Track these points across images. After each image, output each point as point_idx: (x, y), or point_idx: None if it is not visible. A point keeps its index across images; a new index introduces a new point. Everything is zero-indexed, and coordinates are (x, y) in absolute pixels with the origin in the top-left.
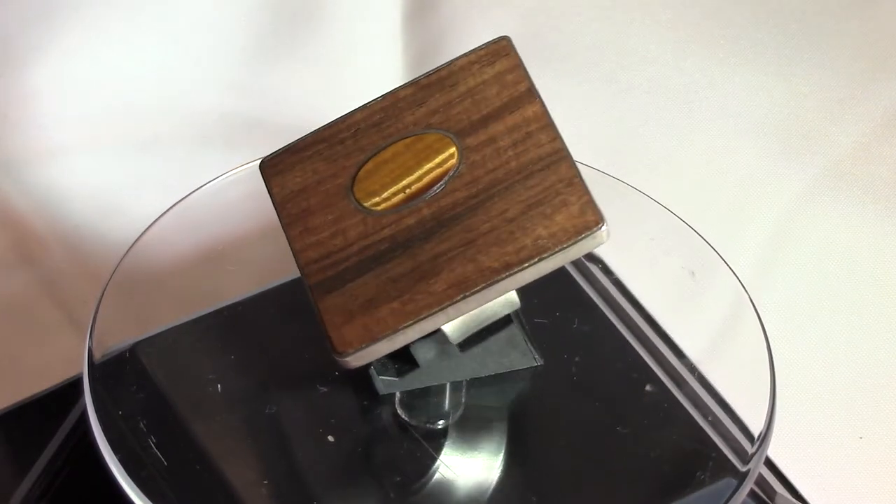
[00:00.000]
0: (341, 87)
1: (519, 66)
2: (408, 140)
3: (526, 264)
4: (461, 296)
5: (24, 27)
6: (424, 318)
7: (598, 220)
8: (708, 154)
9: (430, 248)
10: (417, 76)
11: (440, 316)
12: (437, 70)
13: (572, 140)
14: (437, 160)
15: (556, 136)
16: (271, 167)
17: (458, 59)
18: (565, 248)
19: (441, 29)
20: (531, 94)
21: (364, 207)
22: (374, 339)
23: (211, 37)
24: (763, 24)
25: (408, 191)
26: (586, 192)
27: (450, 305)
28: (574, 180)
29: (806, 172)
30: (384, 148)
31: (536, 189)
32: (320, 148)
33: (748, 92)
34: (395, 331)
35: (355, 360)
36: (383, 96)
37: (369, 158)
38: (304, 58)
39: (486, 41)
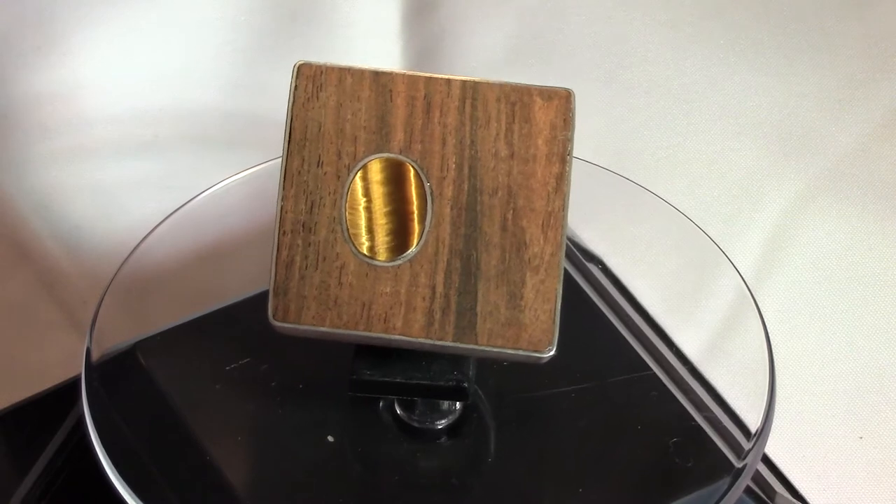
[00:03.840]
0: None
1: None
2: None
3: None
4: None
5: (25, 27)
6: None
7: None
8: (708, 154)
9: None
10: None
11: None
12: None
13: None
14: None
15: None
16: None
17: None
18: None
19: (441, 29)
20: None
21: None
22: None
23: (211, 37)
24: (763, 24)
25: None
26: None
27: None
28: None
29: (806, 172)
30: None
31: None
32: None
33: (748, 92)
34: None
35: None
36: None
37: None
38: (303, 58)
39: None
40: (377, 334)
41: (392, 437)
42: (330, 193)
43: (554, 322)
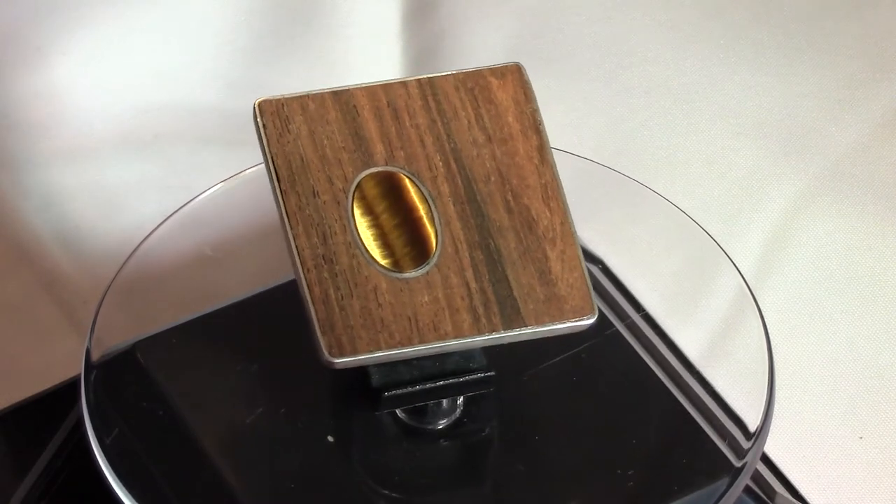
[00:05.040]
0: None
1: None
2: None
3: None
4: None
5: (25, 27)
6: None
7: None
8: (708, 154)
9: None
10: None
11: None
12: None
13: (572, 140)
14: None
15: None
16: None
17: None
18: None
19: (441, 29)
20: None
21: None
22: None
23: (211, 37)
24: (763, 24)
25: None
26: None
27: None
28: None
29: (806, 172)
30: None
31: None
32: None
33: (748, 92)
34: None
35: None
36: None
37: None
38: (303, 58)
39: (485, 43)
40: (432, 344)
41: (392, 438)
42: (337, 220)
43: (588, 286)
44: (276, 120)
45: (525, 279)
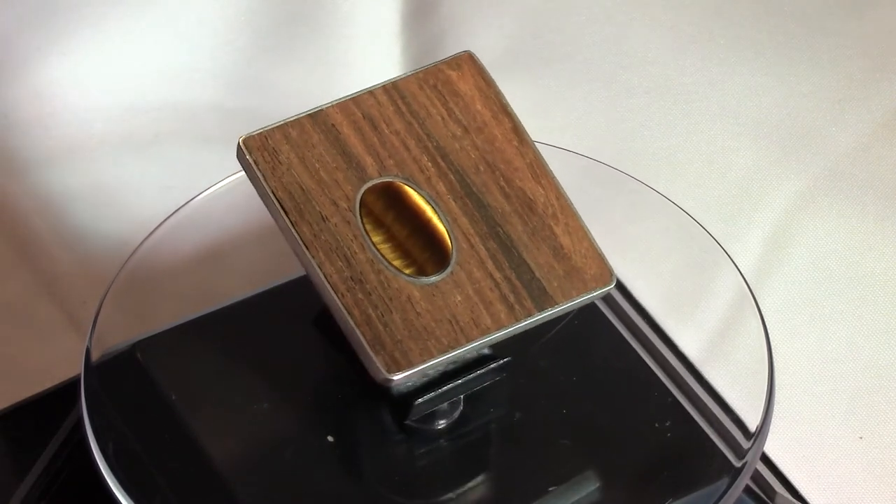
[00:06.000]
0: (341, 86)
1: None
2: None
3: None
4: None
5: (25, 27)
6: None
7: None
8: (708, 154)
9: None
10: None
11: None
12: None
13: (572, 141)
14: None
15: None
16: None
17: None
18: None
19: (441, 29)
20: None
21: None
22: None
23: (211, 36)
24: (763, 24)
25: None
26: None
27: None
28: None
29: (806, 172)
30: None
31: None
32: None
33: (748, 92)
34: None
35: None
36: None
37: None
38: (304, 57)
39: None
40: (478, 340)
41: (392, 438)
42: (353, 240)
43: (600, 253)
44: (265, 153)
45: (541, 259)
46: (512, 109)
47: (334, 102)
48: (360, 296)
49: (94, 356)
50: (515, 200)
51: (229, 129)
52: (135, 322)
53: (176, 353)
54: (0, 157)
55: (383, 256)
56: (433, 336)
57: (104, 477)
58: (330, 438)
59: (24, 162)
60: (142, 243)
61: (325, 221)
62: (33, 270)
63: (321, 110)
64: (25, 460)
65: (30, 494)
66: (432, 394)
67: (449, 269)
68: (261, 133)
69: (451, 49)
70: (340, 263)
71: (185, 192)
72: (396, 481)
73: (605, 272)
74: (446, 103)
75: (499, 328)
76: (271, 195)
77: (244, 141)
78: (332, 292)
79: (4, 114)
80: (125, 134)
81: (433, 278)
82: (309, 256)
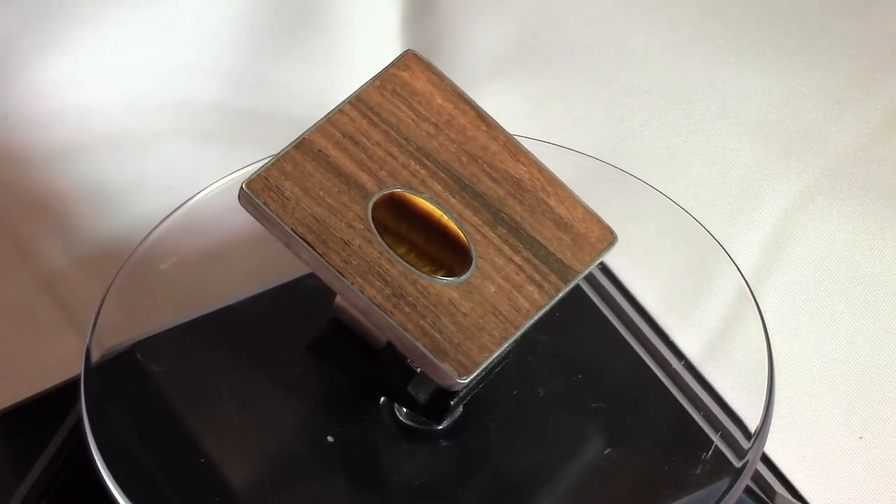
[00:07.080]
0: (341, 86)
1: None
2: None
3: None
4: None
5: (24, 27)
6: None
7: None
8: (708, 154)
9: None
10: None
11: None
12: None
13: (572, 140)
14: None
15: None
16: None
17: None
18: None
19: (441, 29)
20: None
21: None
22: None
23: (212, 36)
24: (763, 24)
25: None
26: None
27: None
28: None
29: (806, 172)
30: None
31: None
32: None
33: (748, 92)
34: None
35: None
36: None
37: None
38: (304, 57)
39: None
40: (525, 324)
41: (392, 438)
42: (381, 256)
43: (595, 214)
44: (271, 193)
45: (548, 233)
46: (469, 96)
47: (312, 129)
48: (406, 310)
49: (94, 356)
50: (505, 183)
51: (229, 129)
52: (135, 322)
53: (176, 353)
54: (0, 156)
55: (412, 266)
56: (485, 331)
57: (104, 477)
58: (330, 438)
59: (23, 161)
60: (142, 243)
61: (348, 246)
62: (33, 270)
63: (304, 139)
64: (25, 460)
65: (30, 494)
66: (463, 391)
67: (474, 264)
68: (260, 175)
69: (452, 49)
70: (378, 283)
71: (185, 192)
72: (396, 481)
73: (607, 231)
74: (410, 105)
75: (538, 308)
76: (291, 233)
77: (248, 185)
78: (380, 313)
79: (4, 113)
80: (125, 133)
81: (463, 276)
82: (348, 284)
